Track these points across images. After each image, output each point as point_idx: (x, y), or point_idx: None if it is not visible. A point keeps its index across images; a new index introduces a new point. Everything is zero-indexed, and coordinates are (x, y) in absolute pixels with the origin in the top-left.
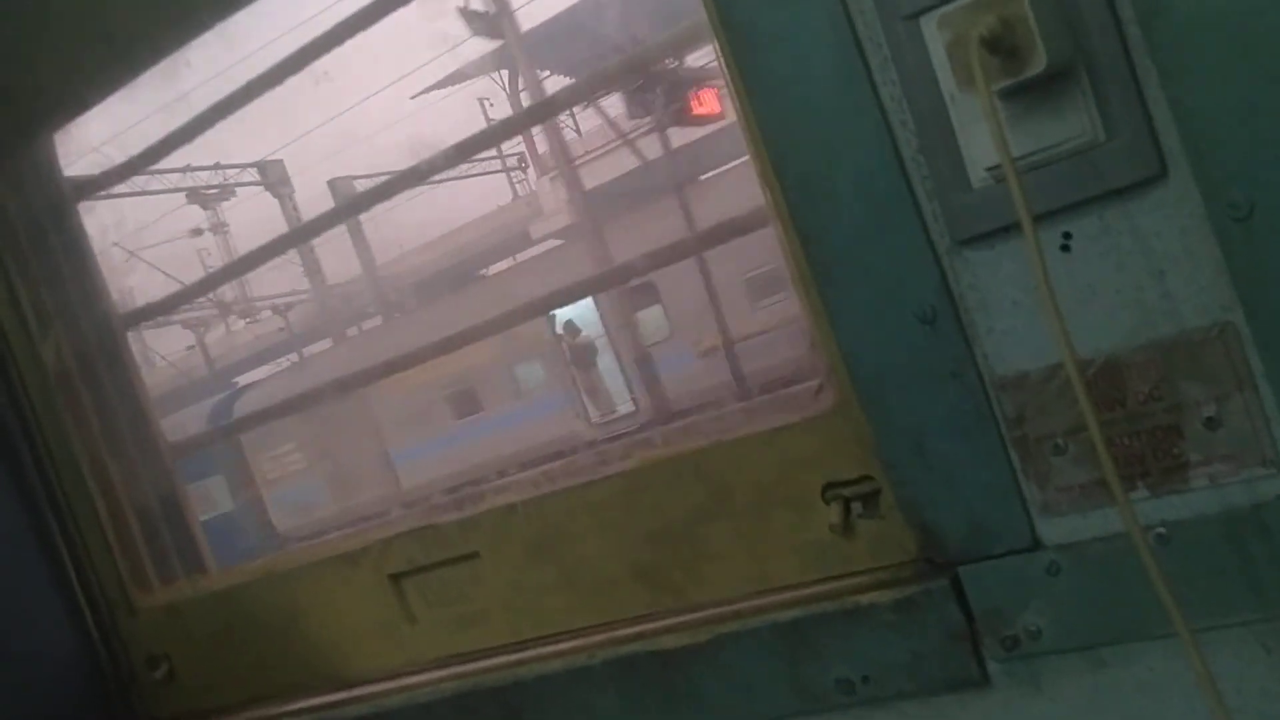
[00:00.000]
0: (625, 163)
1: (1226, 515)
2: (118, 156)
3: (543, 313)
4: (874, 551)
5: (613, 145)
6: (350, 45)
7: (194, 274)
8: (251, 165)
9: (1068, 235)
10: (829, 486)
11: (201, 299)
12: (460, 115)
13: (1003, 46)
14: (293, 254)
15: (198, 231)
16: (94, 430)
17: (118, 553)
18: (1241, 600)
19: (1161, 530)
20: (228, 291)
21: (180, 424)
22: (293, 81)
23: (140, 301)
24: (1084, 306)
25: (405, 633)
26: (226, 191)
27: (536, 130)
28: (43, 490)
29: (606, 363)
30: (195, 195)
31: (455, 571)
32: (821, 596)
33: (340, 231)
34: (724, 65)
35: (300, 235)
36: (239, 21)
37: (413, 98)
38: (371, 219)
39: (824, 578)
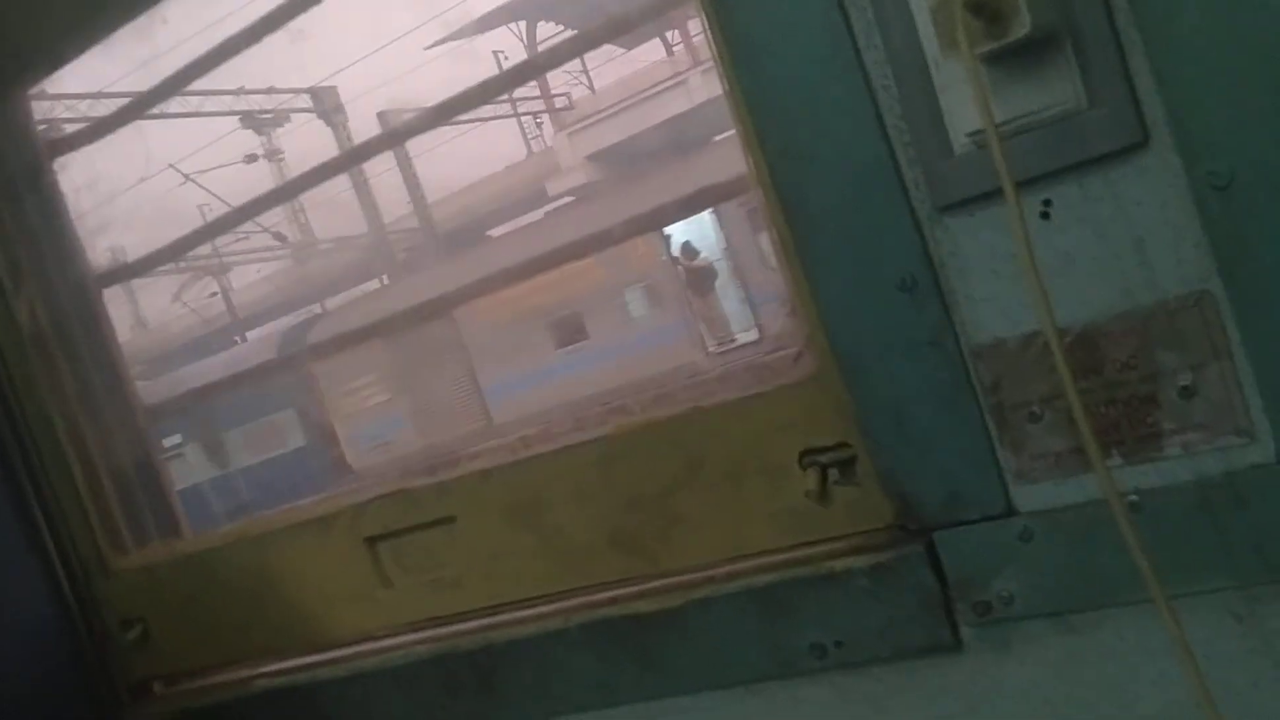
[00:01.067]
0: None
1: (1199, 484)
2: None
3: (655, 228)
4: (850, 518)
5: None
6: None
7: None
8: (305, 91)
9: (1048, 203)
10: (806, 453)
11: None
12: (476, 69)
13: (986, 10)
14: (345, 192)
15: (253, 157)
16: (68, 392)
17: (93, 515)
18: (1213, 568)
19: (1134, 498)
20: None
21: (202, 372)
22: (269, 39)
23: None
24: (1062, 275)
25: (380, 596)
26: (280, 117)
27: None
28: (17, 451)
29: (727, 288)
30: (249, 119)
31: (430, 536)
32: (796, 562)
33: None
34: (708, 31)
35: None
36: None
37: (426, 49)
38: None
39: (799, 544)
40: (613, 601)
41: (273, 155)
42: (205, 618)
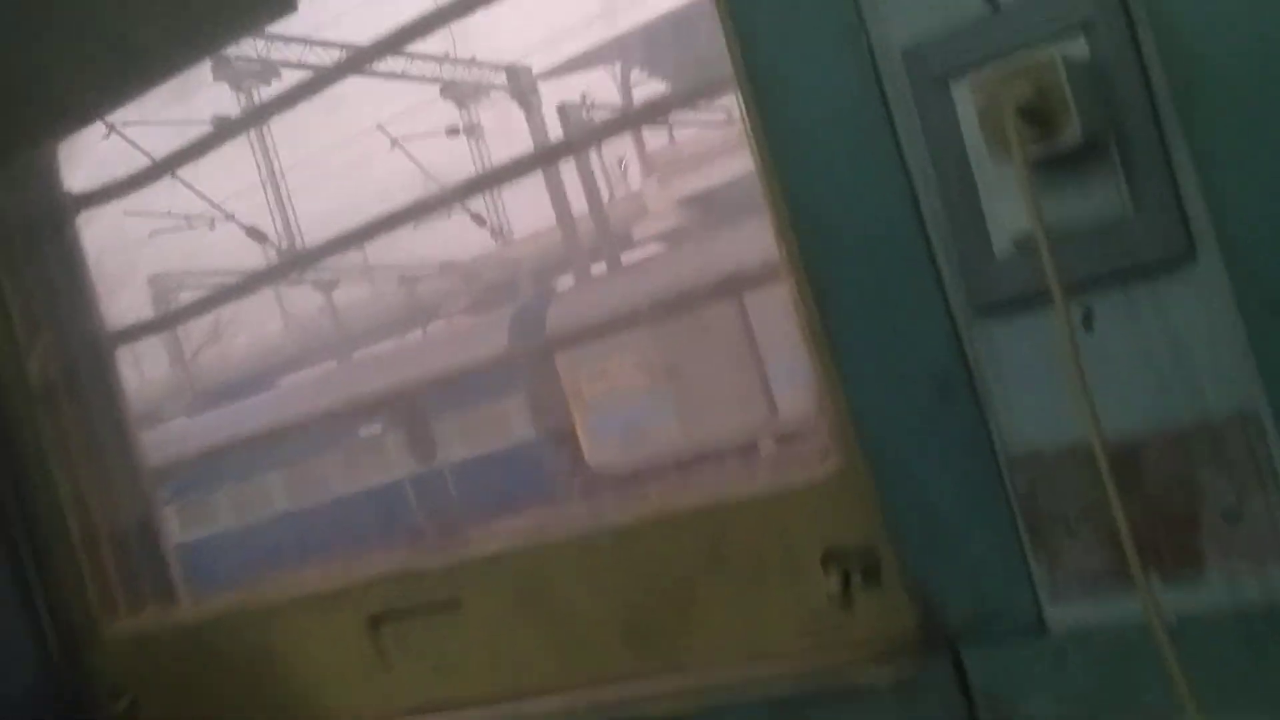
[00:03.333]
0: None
1: (1241, 612)
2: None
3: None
4: (873, 624)
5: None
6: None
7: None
8: (501, 68)
9: (1090, 311)
10: (829, 554)
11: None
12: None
13: (1037, 115)
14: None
15: (454, 131)
16: (74, 450)
17: (88, 577)
18: (1253, 700)
19: (1173, 622)
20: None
21: (298, 385)
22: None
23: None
24: (1103, 385)
25: (380, 680)
26: (480, 91)
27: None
28: (17, 508)
29: None
30: (450, 89)
31: (437, 620)
32: (817, 671)
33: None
34: (745, 116)
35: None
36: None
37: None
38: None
39: (819, 647)
40: (624, 700)
41: (472, 131)
42: (197, 692)
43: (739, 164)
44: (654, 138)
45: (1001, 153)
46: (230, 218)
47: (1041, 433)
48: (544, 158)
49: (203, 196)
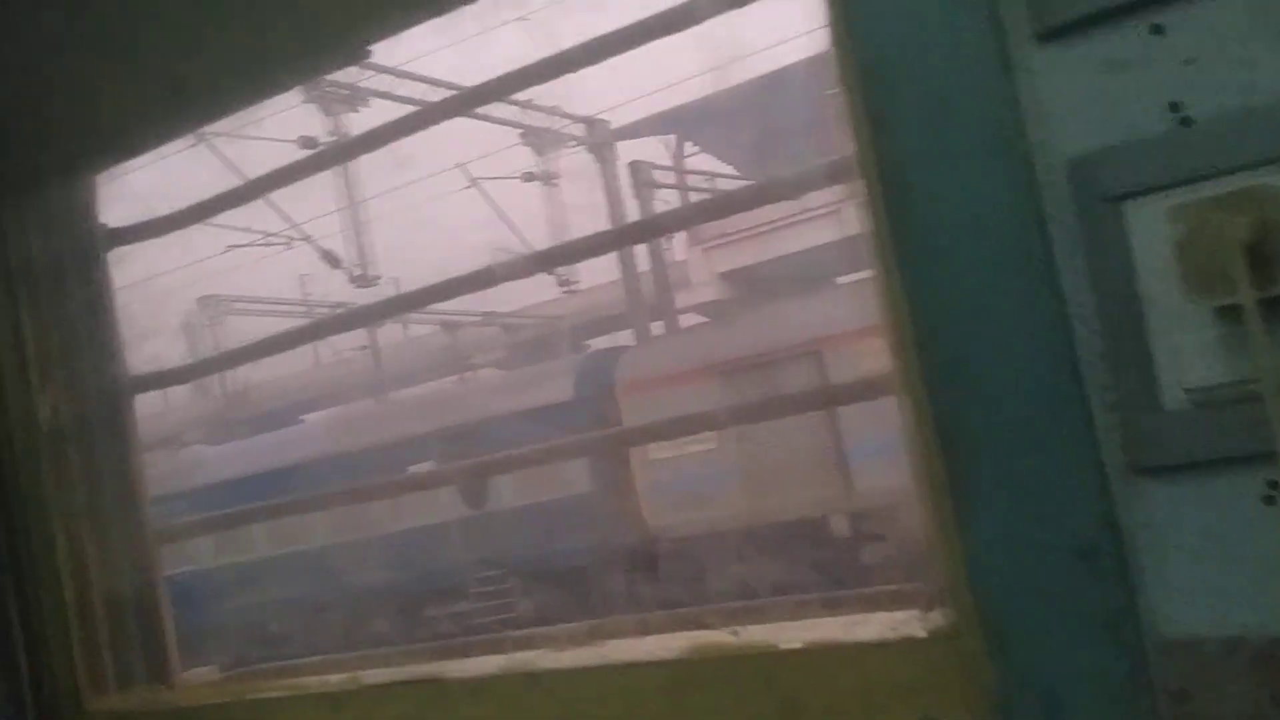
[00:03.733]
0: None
1: None
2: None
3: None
4: None
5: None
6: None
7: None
8: (580, 120)
9: (1274, 485)
10: None
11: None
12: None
13: (1256, 255)
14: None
15: (530, 176)
16: (77, 502)
17: (77, 644)
18: None
19: None
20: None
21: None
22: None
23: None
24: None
25: None
26: (558, 140)
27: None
28: (8, 561)
29: None
30: (530, 136)
31: None
32: None
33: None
34: (869, 212)
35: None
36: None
37: (464, 188)
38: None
39: None
40: None
41: (549, 179)
42: None
43: (787, 242)
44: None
45: (1199, 291)
46: (308, 239)
47: (1204, 619)
48: (627, 236)
49: (284, 216)
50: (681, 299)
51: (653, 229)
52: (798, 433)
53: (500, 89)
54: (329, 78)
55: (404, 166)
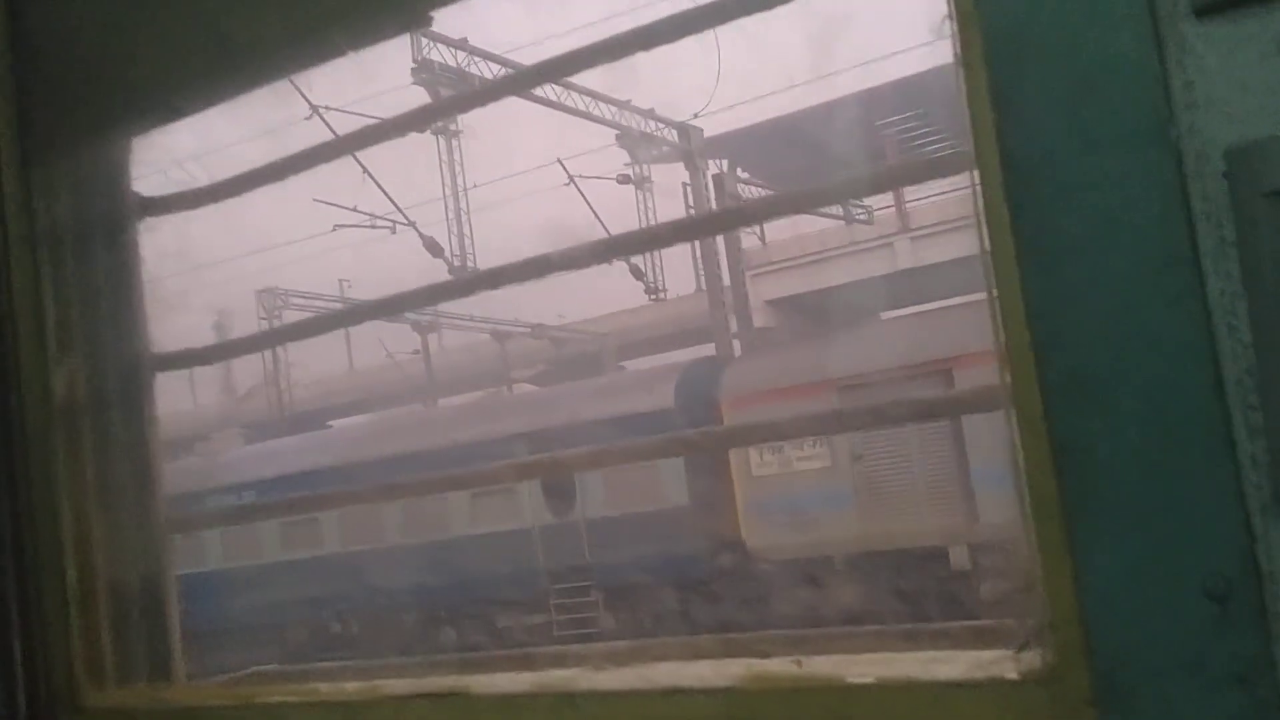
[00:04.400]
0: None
1: None
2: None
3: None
4: None
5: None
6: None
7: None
8: (674, 125)
9: None
10: None
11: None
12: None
13: None
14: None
15: (625, 179)
16: (87, 482)
17: (77, 634)
18: None
19: None
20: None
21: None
22: (416, 137)
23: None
24: None
25: None
26: (653, 143)
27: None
28: (10, 540)
29: None
30: (626, 138)
31: None
32: None
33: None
34: (982, 208)
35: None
36: (380, 54)
37: (564, 185)
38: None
39: None
40: None
41: (641, 183)
42: None
43: (834, 273)
44: (745, 237)
45: None
46: (412, 225)
47: None
48: (709, 224)
49: (390, 199)
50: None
51: (726, 221)
52: (919, 455)
53: (587, 58)
54: (438, 61)
55: (504, 157)
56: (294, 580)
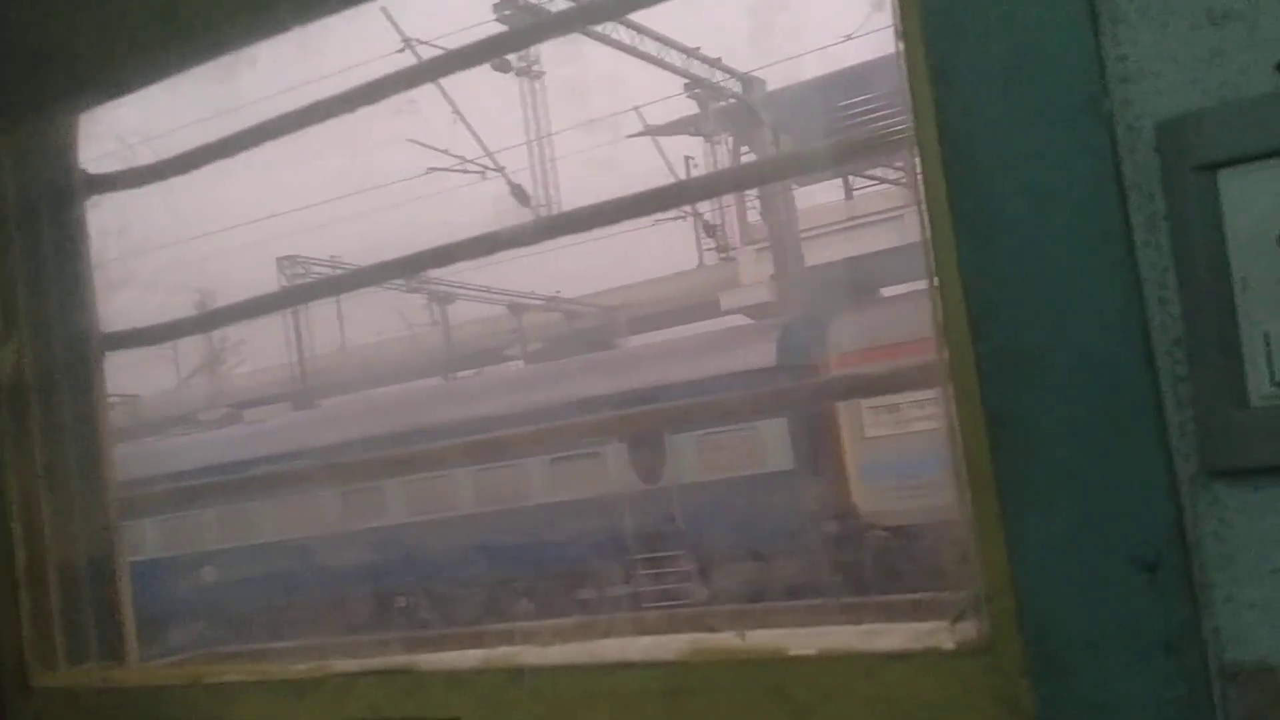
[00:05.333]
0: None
1: None
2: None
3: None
4: None
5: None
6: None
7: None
8: (738, 75)
9: None
10: None
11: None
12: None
13: None
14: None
15: (695, 130)
16: (35, 462)
17: (26, 615)
18: None
19: None
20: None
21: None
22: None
23: None
24: None
25: None
26: (716, 94)
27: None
28: None
29: None
30: (694, 85)
31: None
32: None
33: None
34: (922, 186)
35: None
36: (327, 28)
37: (628, 137)
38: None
39: None
40: None
41: (710, 135)
42: None
43: (840, 248)
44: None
45: None
46: (500, 171)
47: (1278, 644)
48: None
49: (480, 142)
50: (729, 299)
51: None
52: None
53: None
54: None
55: (580, 105)
56: (354, 552)
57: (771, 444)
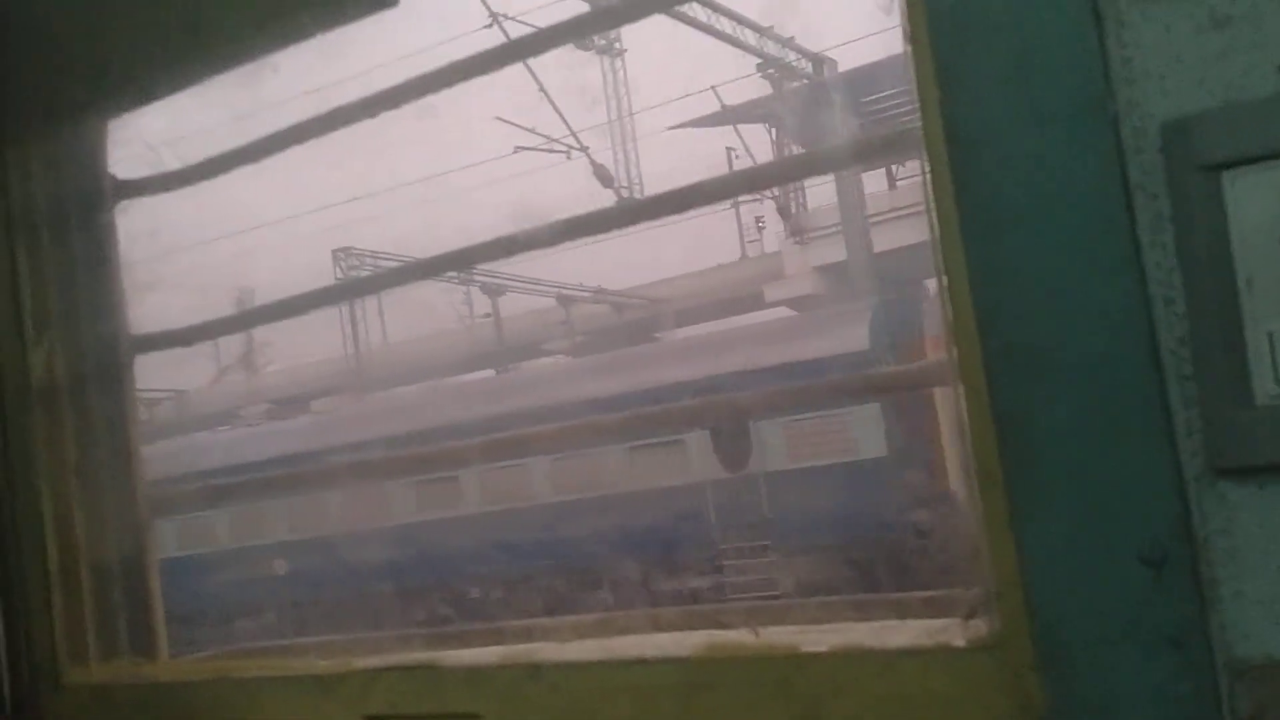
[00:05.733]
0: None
1: None
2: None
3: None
4: None
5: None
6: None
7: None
8: (809, 56)
9: None
10: None
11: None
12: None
13: None
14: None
15: (768, 113)
16: (67, 462)
17: (59, 612)
18: None
19: None
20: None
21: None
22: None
23: None
24: None
25: None
26: (792, 74)
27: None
28: None
29: None
30: (768, 64)
31: None
32: None
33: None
34: (929, 187)
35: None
36: (347, 36)
37: (669, 129)
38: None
39: None
40: None
41: (782, 118)
42: None
43: (884, 238)
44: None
45: None
46: (584, 150)
47: None
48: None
49: (564, 120)
50: (772, 292)
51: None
52: None
53: None
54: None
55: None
56: (428, 543)
57: (862, 431)
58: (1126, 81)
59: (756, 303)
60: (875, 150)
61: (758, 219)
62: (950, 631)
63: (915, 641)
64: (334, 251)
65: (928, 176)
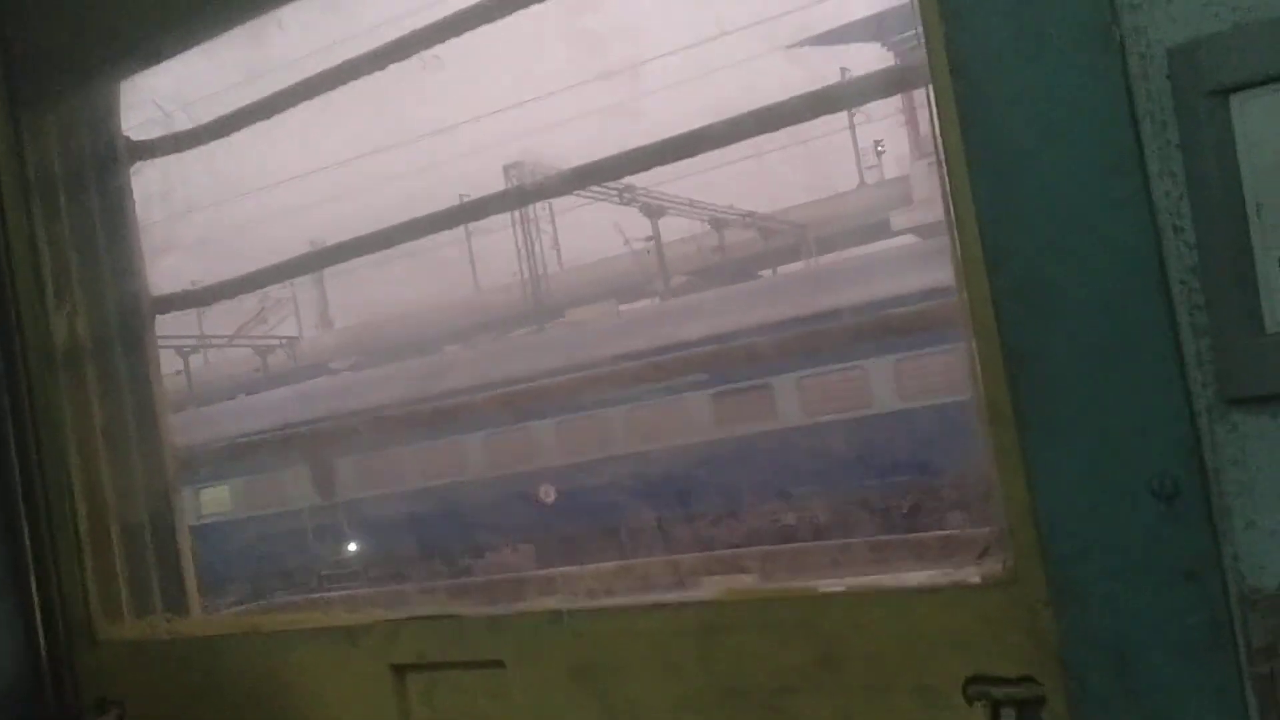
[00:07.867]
0: None
1: None
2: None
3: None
4: None
5: None
6: None
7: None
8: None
9: None
10: (974, 680)
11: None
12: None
13: None
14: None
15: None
16: (94, 423)
17: (91, 570)
18: None
19: None
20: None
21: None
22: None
23: None
24: None
25: None
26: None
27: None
28: (20, 481)
29: None
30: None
31: (472, 678)
32: None
33: None
34: (936, 123)
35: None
36: None
37: (789, 47)
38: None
39: None
40: None
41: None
42: (192, 715)
43: None
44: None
45: None
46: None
47: None
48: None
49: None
50: (899, 219)
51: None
52: None
53: None
54: None
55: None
56: (500, 495)
57: (940, 374)
58: (1131, 7)
59: (883, 231)
60: (894, 83)
61: (876, 143)
62: (966, 570)
63: (931, 580)
64: (505, 167)
65: (934, 111)
